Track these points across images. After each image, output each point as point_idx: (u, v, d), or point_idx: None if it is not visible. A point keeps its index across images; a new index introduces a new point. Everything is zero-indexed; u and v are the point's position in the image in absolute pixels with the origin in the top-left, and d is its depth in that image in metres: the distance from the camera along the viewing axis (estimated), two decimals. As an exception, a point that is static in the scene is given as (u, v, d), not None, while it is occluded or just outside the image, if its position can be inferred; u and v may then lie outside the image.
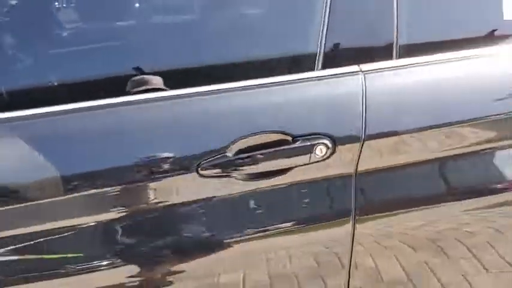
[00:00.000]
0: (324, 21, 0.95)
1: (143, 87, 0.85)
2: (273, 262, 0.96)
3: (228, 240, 0.92)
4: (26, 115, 0.81)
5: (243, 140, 0.88)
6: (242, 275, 0.95)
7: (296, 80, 0.93)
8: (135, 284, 0.89)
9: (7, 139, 0.81)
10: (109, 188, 0.84)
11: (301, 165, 0.90)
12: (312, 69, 0.95)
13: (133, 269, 0.88)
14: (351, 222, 0.96)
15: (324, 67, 0.95)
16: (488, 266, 1.09)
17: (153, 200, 0.87)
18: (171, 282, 0.91)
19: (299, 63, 0.96)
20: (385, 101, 0.94)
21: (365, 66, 0.95)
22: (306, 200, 0.95)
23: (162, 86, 0.87)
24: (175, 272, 0.91)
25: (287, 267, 0.97)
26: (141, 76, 0.87)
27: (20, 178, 0.81)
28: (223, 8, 1.00)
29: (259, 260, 0.95)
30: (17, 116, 0.81)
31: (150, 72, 0.89)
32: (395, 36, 0.97)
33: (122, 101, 0.84)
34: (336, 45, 0.96)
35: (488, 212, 1.04)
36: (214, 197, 0.90)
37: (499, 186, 1.05)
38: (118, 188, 0.84)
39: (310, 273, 0.99)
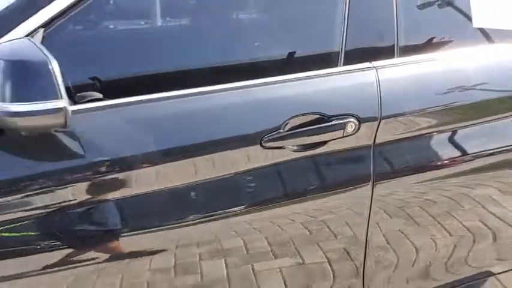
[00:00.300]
0: (343, 31, 1.24)
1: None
2: (313, 216, 1.22)
3: (281, 198, 1.17)
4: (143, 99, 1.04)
5: (292, 120, 1.14)
6: (288, 225, 1.21)
7: (327, 73, 1.21)
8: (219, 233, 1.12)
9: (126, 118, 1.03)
10: (200, 157, 1.07)
11: (337, 139, 1.18)
12: (337, 65, 1.24)
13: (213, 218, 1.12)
14: (370, 183, 1.24)
15: (344, 64, 1.24)
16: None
17: (230, 166, 1.11)
18: (239, 232, 1.15)
19: (327, 61, 1.25)
20: (392, 88, 1.25)
21: (375, 63, 1.26)
22: (339, 166, 1.23)
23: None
24: (240, 222, 1.15)
25: (324, 221, 1.24)
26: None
27: (135, 150, 1.03)
28: (276, 18, 1.28)
29: (303, 214, 1.21)
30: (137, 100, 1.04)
31: (230, 64, 1.16)
32: (396, 40, 1.28)
33: (211, 89, 1.09)
34: (353, 47, 1.26)
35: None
36: (273, 163, 1.15)
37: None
38: (207, 156, 1.08)
39: (339, 225, 1.26)
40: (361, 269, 1.33)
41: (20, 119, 0.84)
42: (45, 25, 1.01)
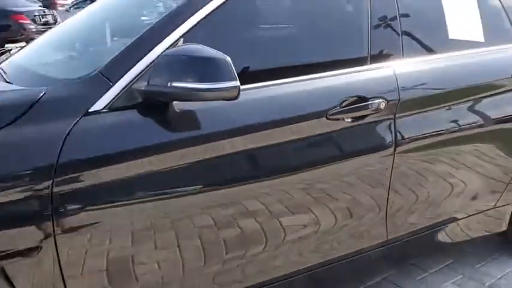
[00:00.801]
0: (369, 42, 1.83)
1: None
2: (358, 168, 1.77)
3: (336, 157, 1.72)
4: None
5: (346, 101, 1.70)
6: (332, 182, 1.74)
7: (363, 69, 1.79)
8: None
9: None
10: (290, 126, 1.60)
11: (374, 113, 1.75)
12: (366, 64, 1.82)
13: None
14: (393, 144, 1.82)
15: (371, 63, 1.83)
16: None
17: (307, 132, 1.64)
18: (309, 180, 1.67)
19: (362, 61, 1.82)
20: (405, 79, 1.84)
21: (392, 63, 1.85)
22: (374, 133, 1.80)
23: None
24: (310, 174, 1.67)
25: (364, 172, 1.79)
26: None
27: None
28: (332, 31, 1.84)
29: (350, 168, 1.76)
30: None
31: (311, 62, 1.71)
32: (401, 46, 1.88)
33: (300, 78, 1.63)
34: (376, 52, 1.84)
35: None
36: (333, 131, 1.69)
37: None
38: (295, 125, 1.61)
39: (368, 184, 1.82)
40: (385, 210, 1.90)
41: (210, 93, 1.33)
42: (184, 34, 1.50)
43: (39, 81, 1.51)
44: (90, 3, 2.55)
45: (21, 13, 12.25)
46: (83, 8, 3.11)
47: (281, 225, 1.65)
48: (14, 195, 1.23)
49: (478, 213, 2.21)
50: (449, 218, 2.13)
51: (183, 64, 1.33)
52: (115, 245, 1.37)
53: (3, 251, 1.23)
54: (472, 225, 2.23)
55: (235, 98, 1.36)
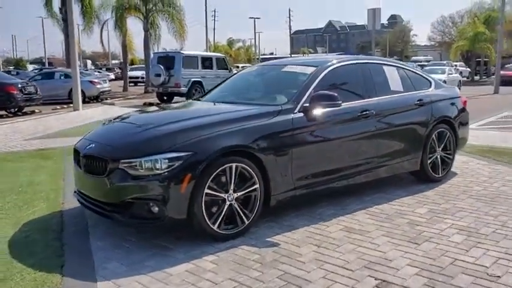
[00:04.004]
0: (367, 88, 4.95)
1: None
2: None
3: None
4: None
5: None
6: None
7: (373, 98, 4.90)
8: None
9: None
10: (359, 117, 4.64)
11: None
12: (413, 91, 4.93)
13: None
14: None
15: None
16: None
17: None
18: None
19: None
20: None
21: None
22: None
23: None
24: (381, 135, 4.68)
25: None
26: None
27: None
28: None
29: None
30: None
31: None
32: (375, 91, 5.01)
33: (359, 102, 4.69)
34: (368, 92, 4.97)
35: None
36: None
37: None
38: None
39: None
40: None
41: (334, 103, 4.33)
42: (315, 87, 4.50)
43: (272, 104, 4.36)
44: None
45: (11, 84, 14.23)
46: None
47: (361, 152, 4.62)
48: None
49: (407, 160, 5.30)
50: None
51: (320, 96, 4.28)
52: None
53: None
54: (404, 165, 5.31)
55: (340, 105, 4.33)
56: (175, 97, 19.40)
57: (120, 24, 24.73)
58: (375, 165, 4.91)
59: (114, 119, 4.94)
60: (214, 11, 67.97)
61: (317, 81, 4.52)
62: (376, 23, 15.70)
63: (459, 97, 6.01)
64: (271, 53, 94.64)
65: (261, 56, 72.45)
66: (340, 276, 3.14)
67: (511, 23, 48.34)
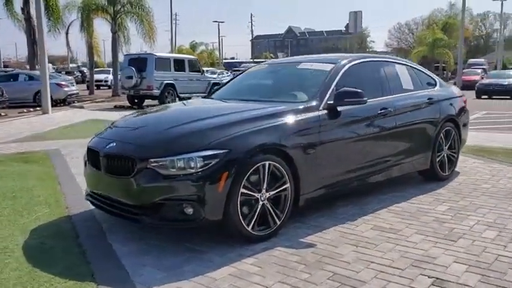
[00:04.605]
0: (384, 86, 4.90)
1: None
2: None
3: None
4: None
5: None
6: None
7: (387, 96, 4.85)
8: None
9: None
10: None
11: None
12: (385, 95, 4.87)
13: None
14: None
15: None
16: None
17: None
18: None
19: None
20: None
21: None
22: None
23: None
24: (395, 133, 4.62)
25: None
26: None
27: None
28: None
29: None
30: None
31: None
32: (390, 90, 4.97)
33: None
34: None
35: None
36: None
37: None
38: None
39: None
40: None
41: (359, 101, 4.23)
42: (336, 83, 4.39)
43: (295, 101, 4.23)
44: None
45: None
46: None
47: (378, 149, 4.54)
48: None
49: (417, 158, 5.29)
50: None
51: (345, 93, 4.18)
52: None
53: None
54: (415, 164, 5.29)
55: (365, 102, 4.25)
56: (145, 100, 18.99)
57: (86, 26, 23.95)
58: (391, 164, 4.86)
59: (125, 117, 4.67)
60: (176, 15, 66.99)
61: (338, 78, 4.44)
62: (358, 26, 15.85)
63: (461, 96, 6.08)
64: (232, 58, 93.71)
65: (223, 60, 72.08)
66: (391, 275, 3.05)
67: (467, 31, 50.25)
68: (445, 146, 5.55)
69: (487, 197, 4.89)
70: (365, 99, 4.19)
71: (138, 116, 4.53)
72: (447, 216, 4.26)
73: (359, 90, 4.18)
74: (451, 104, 5.66)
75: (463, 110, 5.93)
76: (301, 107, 4.07)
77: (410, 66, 5.59)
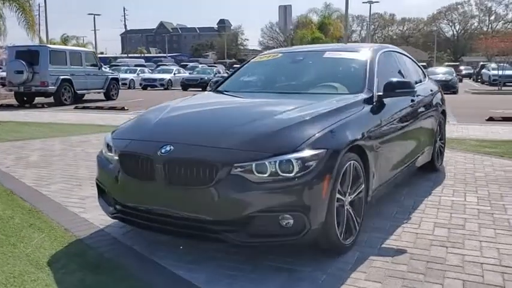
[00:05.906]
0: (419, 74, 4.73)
1: None
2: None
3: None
4: None
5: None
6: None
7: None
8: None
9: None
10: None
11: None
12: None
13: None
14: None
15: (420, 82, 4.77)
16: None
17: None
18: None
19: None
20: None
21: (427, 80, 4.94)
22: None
23: None
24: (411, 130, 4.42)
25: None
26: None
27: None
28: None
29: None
30: None
31: None
32: (425, 73, 4.83)
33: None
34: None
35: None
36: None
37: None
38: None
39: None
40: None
41: (408, 92, 3.98)
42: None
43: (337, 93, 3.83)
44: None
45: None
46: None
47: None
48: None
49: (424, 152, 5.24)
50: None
51: (396, 84, 3.91)
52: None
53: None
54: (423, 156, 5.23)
55: (415, 93, 4.03)
56: (36, 98, 16.89)
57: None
58: (415, 156, 4.72)
59: (159, 112, 3.63)
60: (39, 6, 59.92)
61: (376, 67, 4.14)
62: (287, 21, 15.22)
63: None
64: (101, 52, 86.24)
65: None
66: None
67: (338, 31, 53.72)
68: (438, 137, 5.60)
69: (496, 185, 5.00)
70: (415, 90, 3.97)
71: (181, 111, 3.75)
72: (485, 207, 4.22)
73: (409, 80, 3.96)
74: (441, 96, 5.74)
75: (444, 102, 6.06)
76: (361, 98, 3.71)
77: (410, 58, 5.53)
